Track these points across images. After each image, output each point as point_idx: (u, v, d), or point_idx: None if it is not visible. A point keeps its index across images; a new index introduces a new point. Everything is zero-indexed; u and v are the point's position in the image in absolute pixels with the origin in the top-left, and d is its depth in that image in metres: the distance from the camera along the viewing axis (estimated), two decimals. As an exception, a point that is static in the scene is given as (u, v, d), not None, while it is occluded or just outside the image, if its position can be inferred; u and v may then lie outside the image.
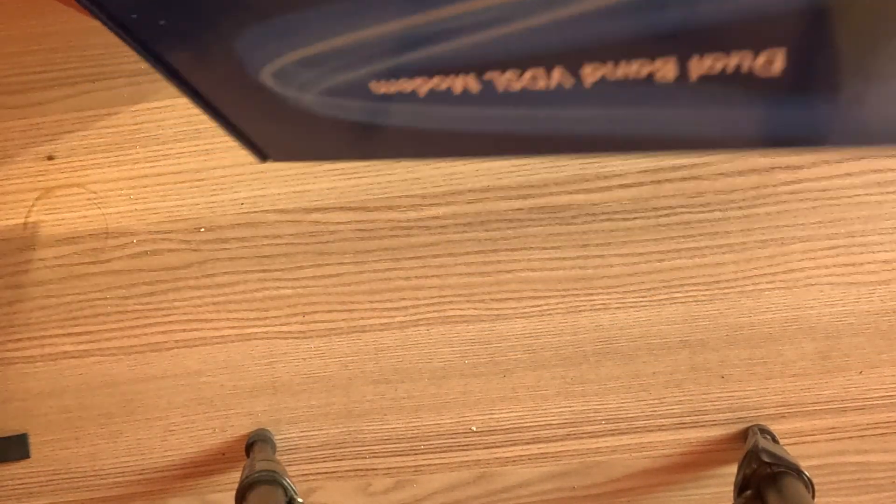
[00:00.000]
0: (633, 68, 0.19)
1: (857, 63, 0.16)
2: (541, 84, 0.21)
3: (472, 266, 0.51)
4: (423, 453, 0.53)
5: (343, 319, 0.52)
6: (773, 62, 0.16)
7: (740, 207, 0.51)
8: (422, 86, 0.23)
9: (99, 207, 0.52)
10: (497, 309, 0.52)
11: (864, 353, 0.52)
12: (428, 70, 0.23)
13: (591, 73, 0.19)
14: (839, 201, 0.51)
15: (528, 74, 0.20)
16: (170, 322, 0.52)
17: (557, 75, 0.20)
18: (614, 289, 0.52)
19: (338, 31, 0.23)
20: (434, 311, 0.52)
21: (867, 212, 0.51)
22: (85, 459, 0.53)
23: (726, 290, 0.52)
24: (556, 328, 0.52)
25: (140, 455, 0.53)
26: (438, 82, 0.22)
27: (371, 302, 0.52)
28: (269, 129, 0.35)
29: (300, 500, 0.44)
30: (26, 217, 0.52)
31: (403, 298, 0.52)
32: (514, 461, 0.53)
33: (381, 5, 0.20)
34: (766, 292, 0.52)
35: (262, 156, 0.38)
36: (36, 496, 0.54)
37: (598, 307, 0.52)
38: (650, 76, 0.18)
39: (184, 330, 0.52)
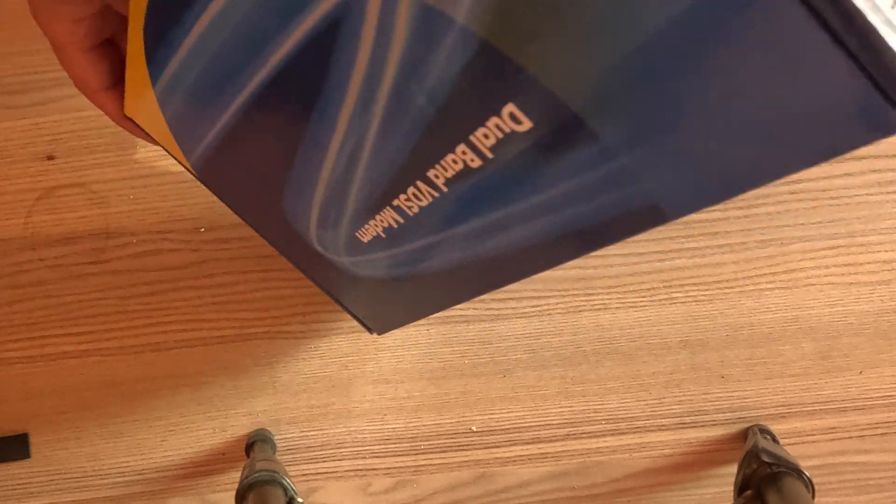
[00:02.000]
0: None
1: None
2: None
3: (472, 266, 0.51)
4: (423, 453, 0.53)
5: (343, 319, 0.52)
6: (519, 120, 0.18)
7: (740, 207, 0.51)
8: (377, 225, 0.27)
9: (99, 207, 0.52)
10: (497, 309, 0.52)
11: (864, 353, 0.52)
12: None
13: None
14: (839, 201, 0.51)
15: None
16: (170, 322, 0.52)
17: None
18: (614, 289, 0.52)
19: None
20: (434, 311, 0.52)
21: (867, 212, 0.51)
22: (85, 459, 0.53)
23: (726, 290, 0.52)
24: (556, 328, 0.52)
25: (140, 455, 0.53)
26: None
27: (371, 302, 0.52)
28: (361, 302, 0.39)
29: (300, 500, 0.44)
30: (26, 217, 0.52)
31: (403, 298, 0.52)
32: (514, 461, 0.53)
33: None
34: (766, 292, 0.52)
35: (369, 330, 0.43)
36: (36, 496, 0.54)
37: (598, 307, 0.52)
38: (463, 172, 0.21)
39: (184, 330, 0.52)
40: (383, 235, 0.28)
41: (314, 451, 0.53)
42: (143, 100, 0.30)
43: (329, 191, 0.27)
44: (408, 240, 0.27)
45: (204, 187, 0.53)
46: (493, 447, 0.53)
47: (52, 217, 0.52)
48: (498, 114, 0.18)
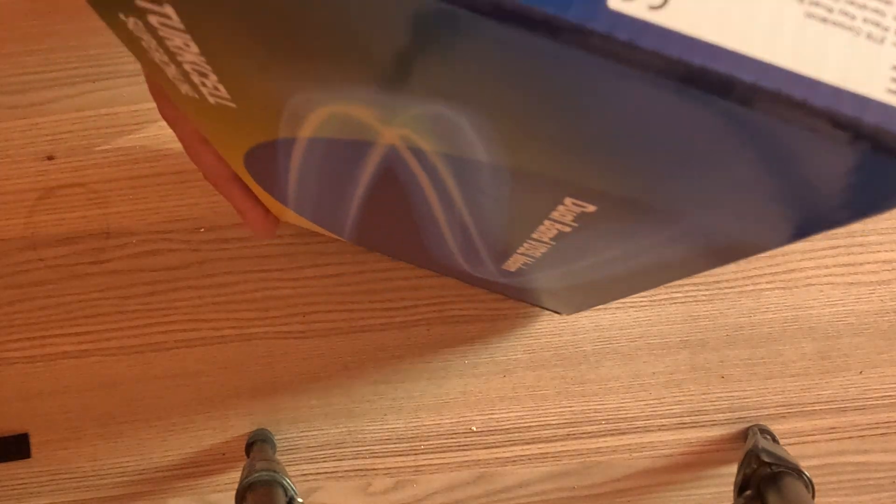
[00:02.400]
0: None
1: None
2: None
3: (472, 266, 0.51)
4: (423, 453, 0.53)
5: (343, 319, 0.52)
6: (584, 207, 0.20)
7: (740, 207, 0.51)
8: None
9: (99, 207, 0.52)
10: (497, 309, 0.52)
11: (864, 353, 0.52)
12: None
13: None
14: (839, 201, 0.51)
15: None
16: (170, 322, 0.52)
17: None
18: (614, 289, 0.52)
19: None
20: (434, 311, 0.52)
21: (867, 212, 0.51)
22: (85, 459, 0.53)
23: (726, 290, 0.52)
24: (555, 328, 0.52)
25: (140, 455, 0.53)
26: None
27: (371, 302, 0.52)
28: (538, 299, 0.46)
29: (300, 500, 0.44)
30: (26, 217, 0.52)
31: (403, 298, 0.52)
32: (514, 461, 0.53)
33: None
34: (766, 292, 0.52)
35: (557, 312, 0.51)
36: (36, 496, 0.54)
37: (598, 307, 0.52)
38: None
39: (184, 330, 0.52)
40: (524, 268, 0.31)
41: (314, 451, 0.53)
42: (286, 213, 0.36)
43: (460, 248, 0.31)
44: (546, 269, 0.30)
45: (204, 187, 0.53)
46: (493, 447, 0.53)
47: (52, 217, 0.52)
48: (562, 203, 0.20)
